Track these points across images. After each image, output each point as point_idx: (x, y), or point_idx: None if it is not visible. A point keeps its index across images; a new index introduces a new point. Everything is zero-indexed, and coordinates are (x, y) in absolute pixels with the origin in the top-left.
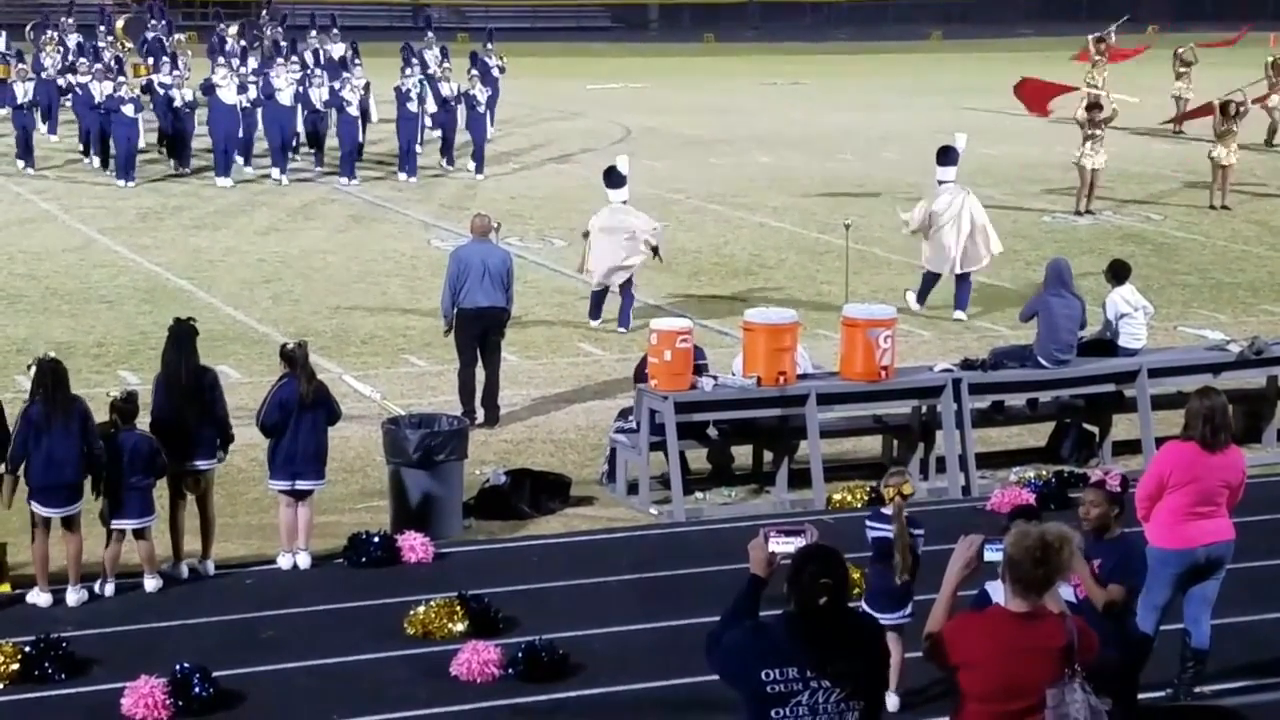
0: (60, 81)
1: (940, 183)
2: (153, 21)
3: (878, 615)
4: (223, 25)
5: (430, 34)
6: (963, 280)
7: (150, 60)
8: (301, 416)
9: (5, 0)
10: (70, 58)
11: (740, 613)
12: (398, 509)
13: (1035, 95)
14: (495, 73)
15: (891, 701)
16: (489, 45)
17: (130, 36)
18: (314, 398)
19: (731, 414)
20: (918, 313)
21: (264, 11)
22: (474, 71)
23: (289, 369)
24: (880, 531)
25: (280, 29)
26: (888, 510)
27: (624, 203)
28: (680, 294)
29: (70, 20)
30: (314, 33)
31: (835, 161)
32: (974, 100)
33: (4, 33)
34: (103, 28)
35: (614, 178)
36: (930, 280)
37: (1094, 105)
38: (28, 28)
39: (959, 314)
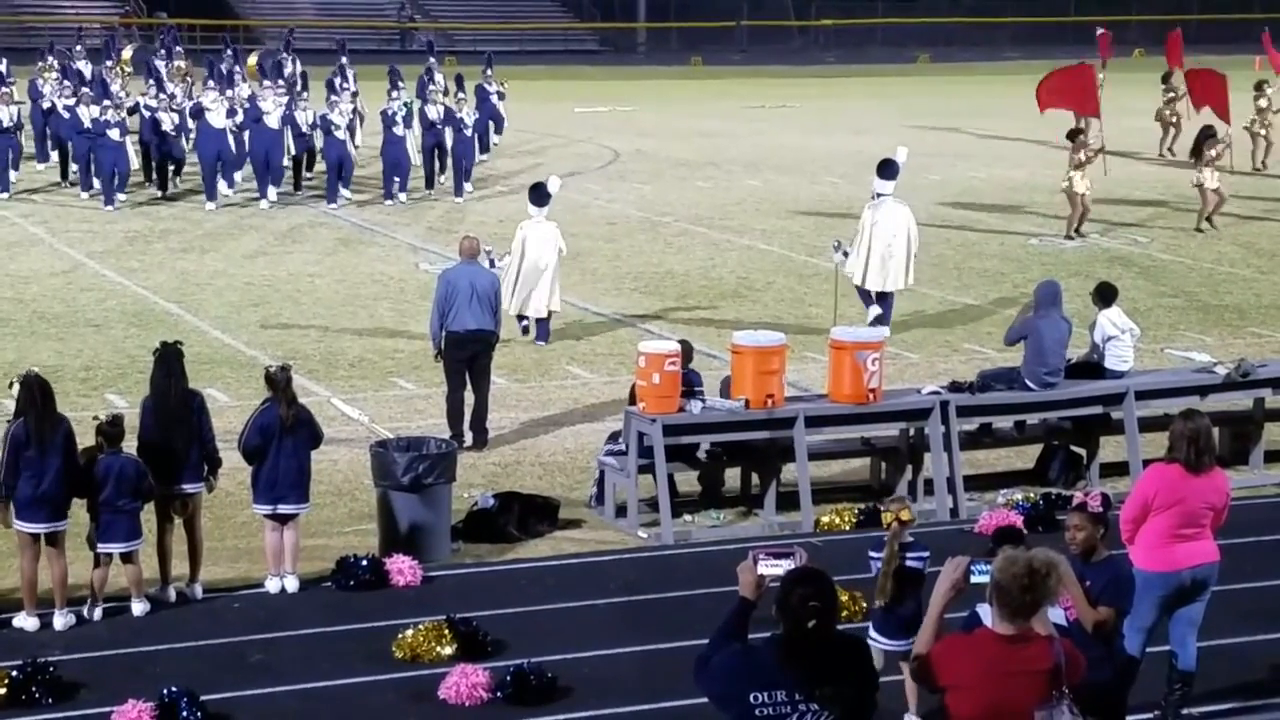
0: (44, 104)
1: (878, 195)
2: (161, 50)
3: (885, 642)
4: (229, 52)
5: (432, 59)
6: (886, 297)
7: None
8: (283, 441)
9: (7, 28)
10: (73, 84)
11: (729, 635)
12: (386, 532)
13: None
14: (495, 99)
15: None
16: (489, 71)
17: (136, 65)
18: (295, 421)
19: (720, 436)
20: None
21: (287, 40)
22: (461, 95)
23: (271, 393)
24: (882, 561)
25: (293, 56)
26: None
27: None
28: (668, 316)
29: (80, 48)
30: (344, 59)
31: (823, 184)
32: (961, 123)
33: (4, 59)
34: (110, 60)
35: (541, 194)
36: (867, 296)
37: (1076, 131)
38: (46, 52)
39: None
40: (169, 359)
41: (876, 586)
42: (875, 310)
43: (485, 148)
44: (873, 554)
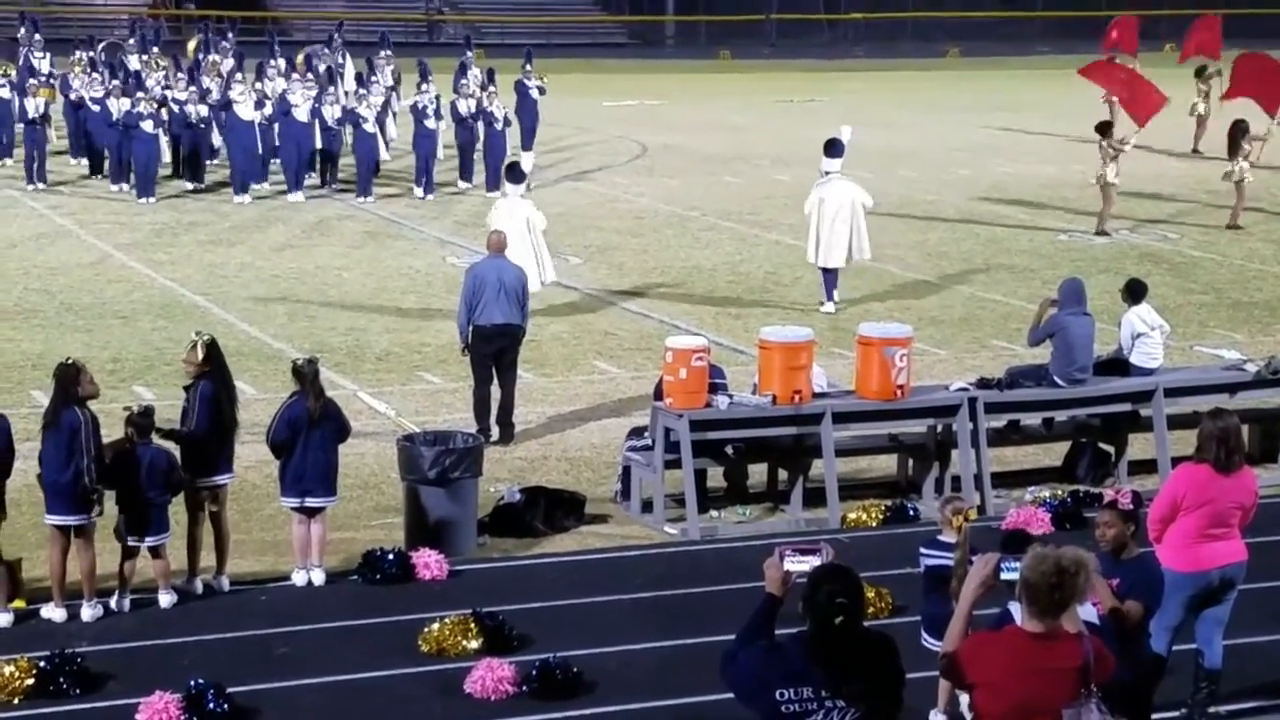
0: (73, 96)
1: (826, 173)
2: (224, 45)
3: (938, 644)
4: (275, 47)
5: (469, 53)
6: (831, 273)
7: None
8: (310, 434)
9: (49, 19)
10: (102, 76)
11: (755, 632)
12: (412, 526)
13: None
14: (535, 94)
15: None
16: (529, 67)
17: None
18: (322, 415)
19: (747, 432)
20: (833, 313)
21: (334, 35)
22: (493, 88)
23: (299, 386)
24: (937, 559)
25: (327, 51)
26: (944, 538)
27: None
28: (695, 312)
29: (133, 41)
30: (384, 52)
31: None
32: (991, 117)
33: (48, 54)
34: (150, 51)
35: (516, 173)
36: (831, 276)
37: (1108, 124)
38: (100, 47)
39: (830, 306)
40: (220, 351)
41: (954, 590)
42: (830, 307)
43: (528, 144)
44: (926, 551)
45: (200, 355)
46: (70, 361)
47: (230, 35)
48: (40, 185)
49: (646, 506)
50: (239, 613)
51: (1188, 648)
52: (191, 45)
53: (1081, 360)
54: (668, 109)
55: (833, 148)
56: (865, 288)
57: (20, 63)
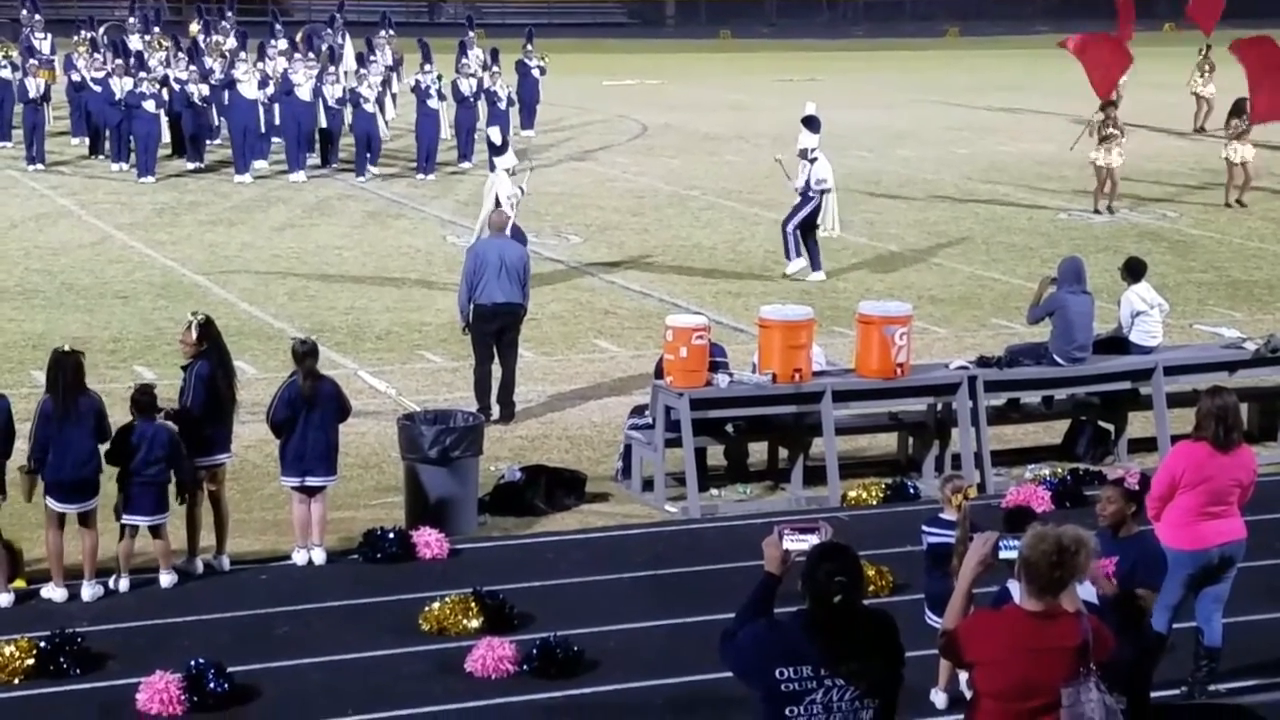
0: (75, 77)
1: (813, 150)
2: (223, 25)
3: (939, 621)
4: (278, 27)
5: (471, 33)
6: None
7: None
8: (310, 414)
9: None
10: (103, 57)
11: (755, 610)
12: (413, 505)
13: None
14: (536, 73)
15: (940, 700)
16: (529, 46)
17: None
18: (316, 395)
19: (747, 411)
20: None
21: (335, 15)
22: (496, 68)
23: (298, 366)
24: (938, 537)
25: (329, 31)
26: (946, 515)
27: (507, 170)
28: (695, 290)
29: (133, 20)
30: (384, 32)
31: (851, 158)
32: (991, 97)
33: (49, 35)
34: (152, 31)
35: (496, 150)
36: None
37: (1108, 104)
38: (101, 30)
39: (821, 275)
40: (216, 330)
41: (955, 568)
42: (801, 263)
43: (529, 123)
44: (928, 529)
45: (195, 335)
46: (72, 349)
47: (229, 15)
48: (40, 166)
49: (647, 485)
50: (239, 592)
51: (1187, 626)
52: (194, 27)
53: (1081, 338)
54: (668, 88)
55: (814, 124)
56: (865, 266)
57: (21, 43)
